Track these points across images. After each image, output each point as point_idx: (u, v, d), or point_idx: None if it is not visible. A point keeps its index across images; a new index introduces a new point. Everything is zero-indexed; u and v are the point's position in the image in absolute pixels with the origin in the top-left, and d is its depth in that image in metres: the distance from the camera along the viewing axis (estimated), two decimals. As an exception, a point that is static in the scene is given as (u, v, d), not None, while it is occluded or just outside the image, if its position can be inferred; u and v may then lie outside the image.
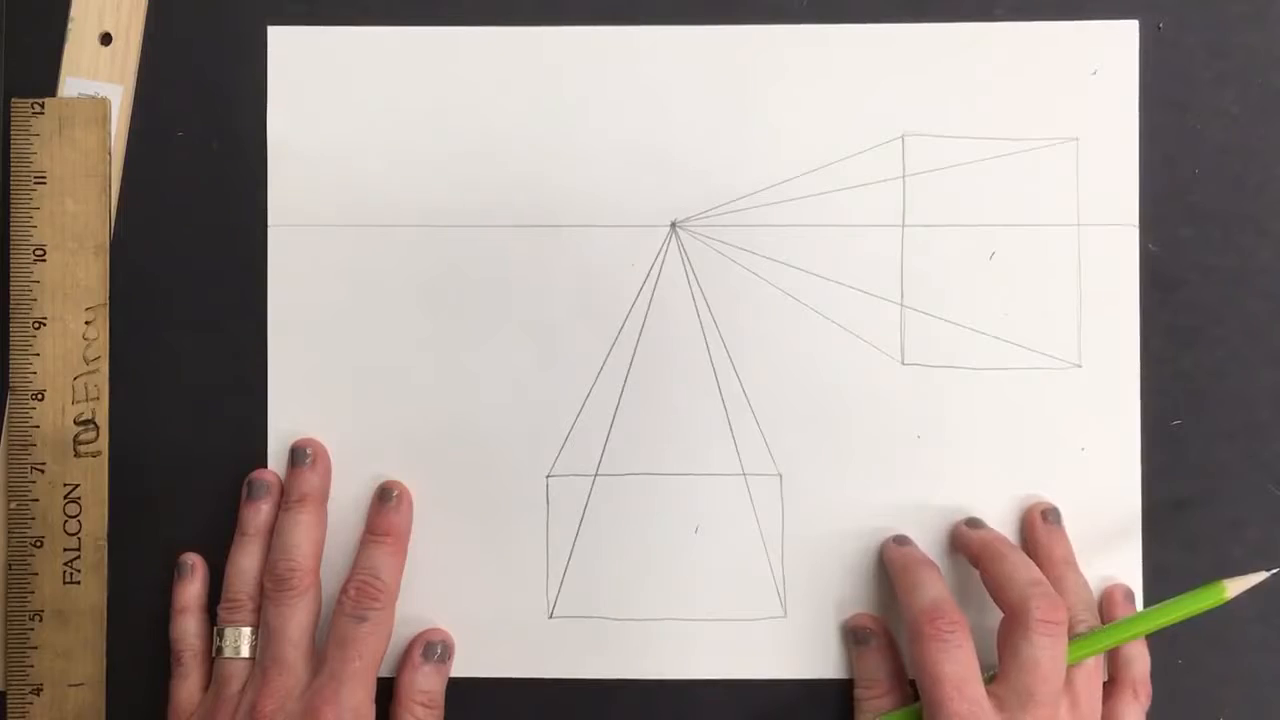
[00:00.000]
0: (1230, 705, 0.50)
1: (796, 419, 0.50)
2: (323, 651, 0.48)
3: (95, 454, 0.51)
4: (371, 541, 0.50)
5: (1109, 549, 0.50)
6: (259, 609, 0.49)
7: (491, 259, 0.50)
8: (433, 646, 0.50)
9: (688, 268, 0.51)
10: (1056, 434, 0.50)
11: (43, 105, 0.51)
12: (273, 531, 0.50)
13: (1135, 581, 0.50)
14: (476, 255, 0.50)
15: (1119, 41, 0.50)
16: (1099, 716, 0.47)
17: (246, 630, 0.49)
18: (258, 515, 0.50)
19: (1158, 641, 0.50)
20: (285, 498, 0.50)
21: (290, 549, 0.49)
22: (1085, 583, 0.49)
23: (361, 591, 0.48)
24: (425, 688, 0.49)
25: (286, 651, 0.47)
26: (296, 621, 0.48)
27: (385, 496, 0.50)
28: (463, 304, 0.51)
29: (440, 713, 0.49)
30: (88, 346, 0.51)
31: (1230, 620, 0.50)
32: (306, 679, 0.47)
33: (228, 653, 0.49)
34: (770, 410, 0.50)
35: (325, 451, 0.51)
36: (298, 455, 0.50)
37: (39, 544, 0.50)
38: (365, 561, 0.49)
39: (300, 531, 0.49)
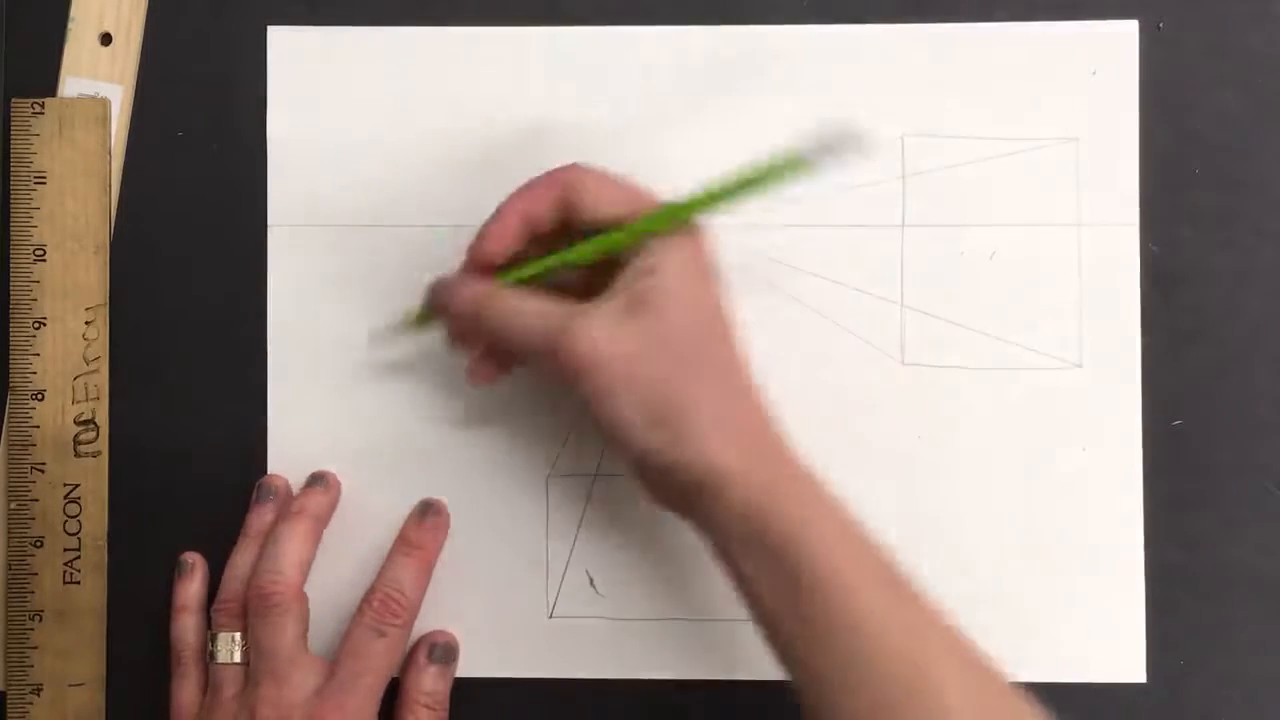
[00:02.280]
0: (1231, 706, 0.50)
1: (796, 419, 0.50)
2: (336, 655, 0.47)
3: (95, 454, 0.51)
4: (401, 554, 0.49)
5: (1109, 549, 0.50)
6: None
7: (491, 259, 0.50)
8: (438, 648, 0.49)
9: (688, 268, 0.51)
10: (1057, 433, 0.50)
11: (43, 105, 0.51)
12: None
13: (1136, 581, 0.50)
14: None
15: (1119, 42, 0.50)
16: None
17: (239, 635, 0.48)
18: (262, 519, 0.50)
19: (1157, 643, 0.50)
20: (284, 509, 0.50)
21: (278, 557, 0.48)
22: None
23: (384, 604, 0.48)
24: (430, 689, 0.49)
25: (280, 666, 0.47)
26: (285, 638, 0.47)
27: (425, 512, 0.50)
28: (463, 304, 0.51)
29: (445, 714, 0.49)
30: (88, 346, 0.51)
31: (1231, 620, 0.50)
32: (308, 684, 0.47)
33: (221, 658, 0.48)
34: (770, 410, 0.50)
35: (339, 485, 0.50)
36: (314, 480, 0.50)
37: (39, 544, 0.50)
38: (391, 573, 0.49)
39: (292, 542, 0.48)
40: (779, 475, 0.42)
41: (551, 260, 0.45)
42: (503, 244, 0.45)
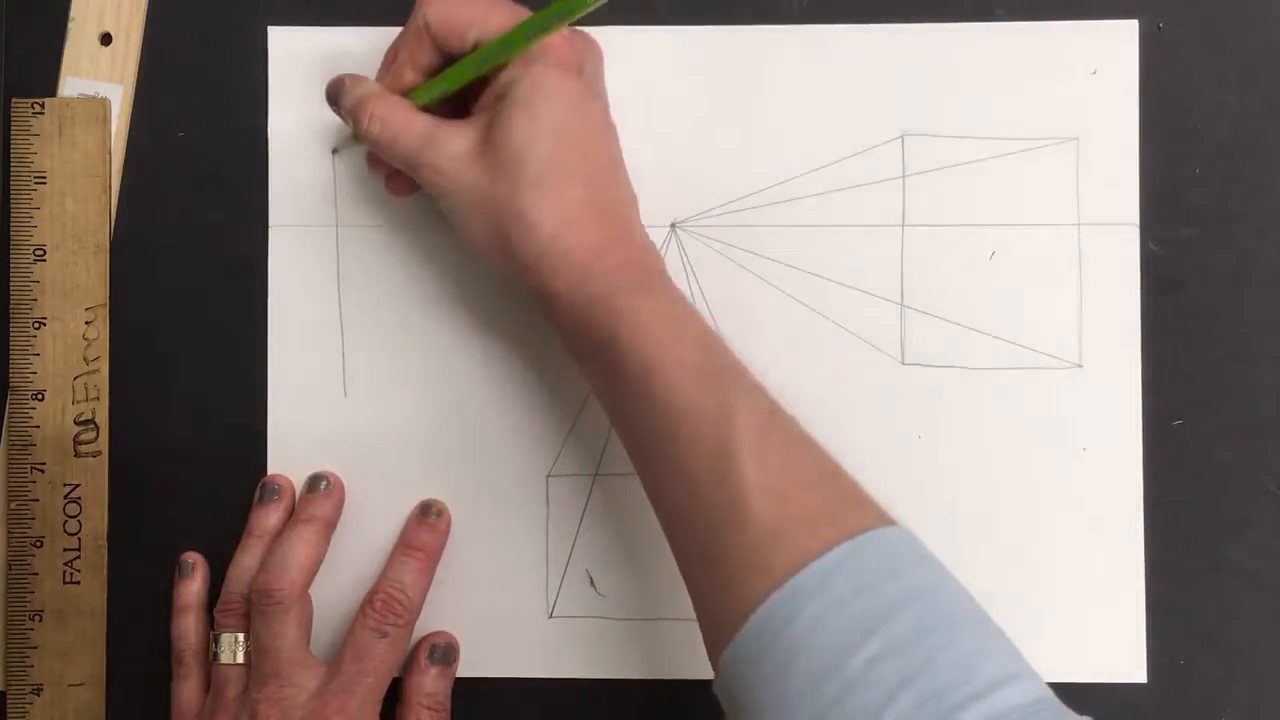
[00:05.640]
0: (1232, 705, 0.50)
1: (796, 419, 0.50)
2: (338, 655, 0.48)
3: (95, 454, 0.51)
4: (403, 555, 0.49)
5: (1109, 549, 0.50)
6: None
7: (491, 259, 0.50)
8: (438, 649, 0.49)
9: (688, 268, 0.51)
10: (1057, 434, 0.50)
11: (43, 105, 0.51)
12: None
13: (1136, 581, 0.50)
14: (477, 255, 0.50)
15: (1119, 41, 0.50)
16: None
17: (242, 636, 0.48)
18: (266, 519, 0.50)
19: (1157, 643, 0.50)
20: (295, 516, 0.50)
21: (284, 557, 0.48)
22: None
23: (387, 605, 0.48)
24: (431, 690, 0.49)
25: (282, 667, 0.47)
26: (287, 638, 0.47)
27: (426, 512, 0.50)
28: (463, 304, 0.51)
29: (447, 715, 0.49)
30: (88, 346, 0.51)
31: (1232, 620, 0.50)
32: (310, 684, 0.47)
33: (224, 659, 0.48)
34: (770, 410, 0.50)
35: (341, 485, 0.50)
36: (314, 483, 0.50)
37: (39, 544, 0.50)
38: (394, 574, 0.49)
39: (300, 547, 0.48)
40: (601, 288, 0.43)
41: (437, 84, 0.46)
42: (398, 83, 0.47)
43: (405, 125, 0.45)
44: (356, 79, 0.47)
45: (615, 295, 0.43)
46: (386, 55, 0.47)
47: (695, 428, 0.41)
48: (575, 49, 0.45)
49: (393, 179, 0.49)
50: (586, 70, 0.46)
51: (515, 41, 0.44)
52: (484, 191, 0.44)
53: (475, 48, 0.45)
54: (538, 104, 0.44)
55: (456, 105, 0.47)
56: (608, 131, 0.46)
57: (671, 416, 0.41)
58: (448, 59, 0.46)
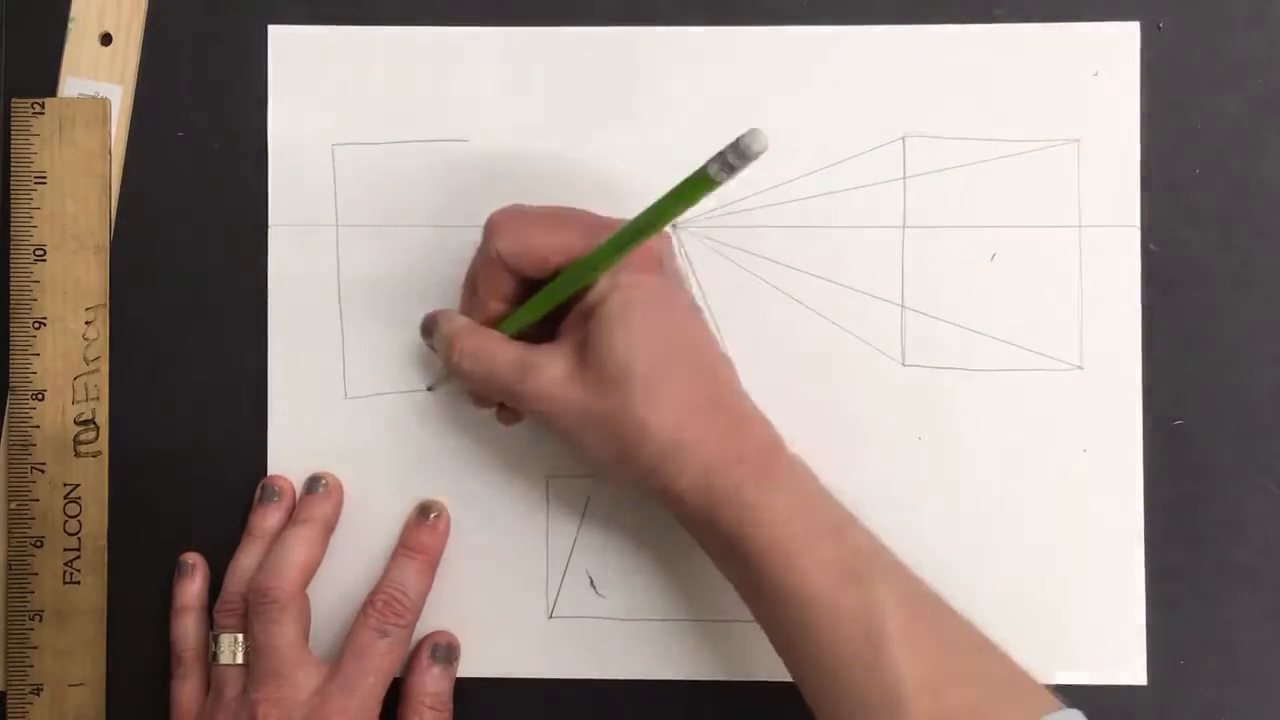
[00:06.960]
0: (1233, 706, 0.50)
1: (796, 420, 0.50)
2: (339, 655, 0.48)
3: (95, 454, 0.51)
4: (404, 556, 0.49)
5: (1109, 549, 0.50)
6: None
7: (492, 259, 0.50)
8: (440, 648, 0.49)
9: (688, 268, 0.51)
10: (1057, 435, 0.50)
11: (43, 105, 0.51)
12: None
13: (1137, 581, 0.50)
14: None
15: (1120, 43, 0.50)
16: None
17: (241, 636, 0.49)
18: (266, 520, 0.50)
19: (1157, 643, 0.50)
20: (293, 517, 0.50)
21: (283, 558, 0.48)
22: None
23: (388, 605, 0.48)
24: (433, 690, 0.49)
25: (280, 666, 0.47)
26: (284, 637, 0.47)
27: (425, 513, 0.50)
28: (463, 304, 0.51)
29: (449, 715, 0.49)
30: (88, 346, 0.51)
31: (1231, 620, 0.50)
32: (310, 683, 0.47)
33: (223, 659, 0.48)
34: (770, 411, 0.50)
35: (340, 486, 0.50)
36: (313, 484, 0.50)
37: (39, 544, 0.50)
38: (395, 575, 0.49)
39: (298, 547, 0.49)
40: (726, 482, 0.43)
41: (524, 314, 0.46)
42: (485, 314, 0.46)
43: (495, 357, 0.45)
44: (446, 315, 0.47)
45: (741, 489, 0.43)
46: (465, 284, 0.47)
47: (837, 623, 0.41)
48: (652, 247, 0.45)
49: (503, 410, 0.48)
50: (665, 263, 0.45)
51: (601, 262, 0.43)
52: (593, 409, 0.43)
53: (557, 273, 0.45)
54: (631, 315, 0.43)
55: (540, 324, 0.46)
56: (696, 317, 0.46)
57: (812, 612, 0.42)
58: (528, 283, 0.46)
